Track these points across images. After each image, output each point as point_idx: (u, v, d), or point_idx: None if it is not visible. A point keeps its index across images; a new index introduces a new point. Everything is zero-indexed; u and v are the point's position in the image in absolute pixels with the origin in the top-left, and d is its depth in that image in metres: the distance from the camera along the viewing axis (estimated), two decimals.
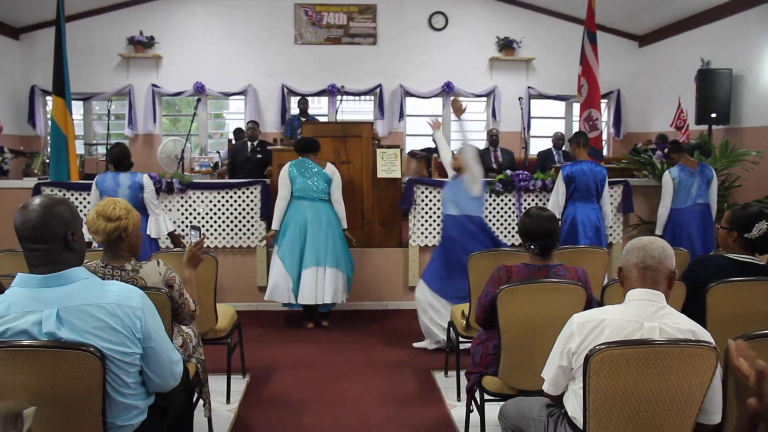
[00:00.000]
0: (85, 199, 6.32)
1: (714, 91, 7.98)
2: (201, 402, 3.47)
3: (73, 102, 6.80)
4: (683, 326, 2.26)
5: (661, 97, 10.16)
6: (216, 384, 4.11)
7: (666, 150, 6.93)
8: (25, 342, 2.08)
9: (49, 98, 9.67)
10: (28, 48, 10.50)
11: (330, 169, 5.77)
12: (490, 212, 6.57)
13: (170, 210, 6.32)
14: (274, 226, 5.78)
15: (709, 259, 3.56)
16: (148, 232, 5.59)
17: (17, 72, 10.46)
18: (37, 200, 2.16)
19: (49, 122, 7.32)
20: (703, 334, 2.26)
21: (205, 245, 3.39)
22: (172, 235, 5.70)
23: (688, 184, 6.19)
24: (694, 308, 3.12)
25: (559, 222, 5.84)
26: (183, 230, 6.08)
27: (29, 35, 10.53)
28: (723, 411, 2.32)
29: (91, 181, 5.76)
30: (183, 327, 3.34)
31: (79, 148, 8.63)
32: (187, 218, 6.39)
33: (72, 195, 6.36)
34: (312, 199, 5.70)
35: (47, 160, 7.03)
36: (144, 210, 5.57)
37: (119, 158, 5.58)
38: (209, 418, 3.68)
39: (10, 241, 5.05)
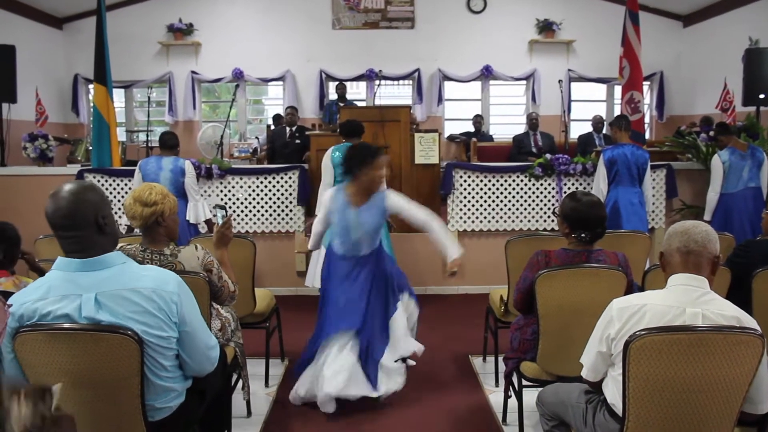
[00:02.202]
0: (126, 185, 6.42)
1: (763, 71, 7.72)
2: (240, 385, 3.51)
3: (114, 90, 6.90)
4: (728, 313, 2.20)
5: (706, 78, 9.89)
6: (254, 368, 4.16)
7: (711, 132, 6.76)
8: (65, 325, 2.12)
9: (91, 86, 9.83)
10: (71, 37, 10.68)
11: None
12: (529, 196, 6.50)
13: (209, 195, 6.39)
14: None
15: (755, 244, 3.47)
16: (187, 218, 5.69)
17: (61, 61, 10.65)
18: (65, 188, 2.18)
19: (92, 110, 7.44)
20: (749, 321, 2.19)
21: (235, 229, 3.40)
22: (209, 222, 5.78)
23: (739, 167, 6.03)
24: (739, 294, 3.05)
25: None
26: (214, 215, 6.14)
27: (72, 25, 10.71)
28: None
29: (133, 168, 5.88)
30: (222, 311, 3.37)
31: (121, 135, 8.78)
32: (226, 204, 6.45)
33: (114, 181, 6.47)
34: None
35: (90, 147, 7.15)
36: (184, 194, 5.67)
37: (166, 139, 5.81)
38: (248, 401, 3.74)
39: None
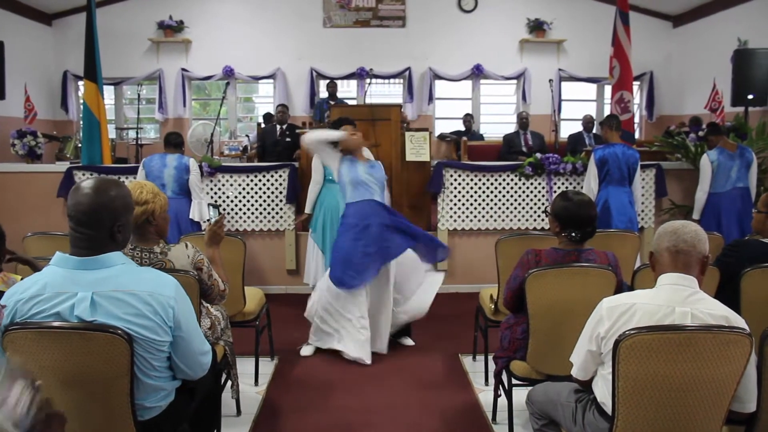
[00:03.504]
0: None
1: (751, 72, 7.79)
2: (229, 384, 3.51)
3: (104, 87, 6.87)
4: (716, 312, 2.21)
5: (696, 78, 9.96)
6: (244, 366, 4.15)
7: (700, 132, 6.80)
8: (55, 324, 2.10)
9: (81, 83, 9.78)
10: (61, 34, 10.62)
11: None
12: (519, 195, 6.51)
13: None
14: (307, 210, 5.78)
15: (743, 243, 3.49)
16: (191, 216, 5.68)
17: (50, 57, 10.58)
18: (90, 184, 2.16)
19: (82, 107, 7.40)
20: (737, 321, 2.21)
21: (225, 227, 3.40)
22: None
23: (727, 167, 6.05)
24: (728, 294, 3.06)
25: None
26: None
27: (61, 21, 10.64)
28: (758, 399, 2.27)
29: (122, 165, 5.86)
30: (211, 309, 3.37)
31: (111, 132, 8.72)
32: (216, 201, 6.43)
33: None
34: None
35: (80, 145, 7.11)
36: (188, 192, 5.67)
37: (171, 137, 5.88)
38: (237, 399, 3.73)
39: (43, 224, 5.14)
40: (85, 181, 2.18)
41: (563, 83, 11.21)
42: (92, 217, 2.13)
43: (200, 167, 6.33)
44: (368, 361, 4.62)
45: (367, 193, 4.77)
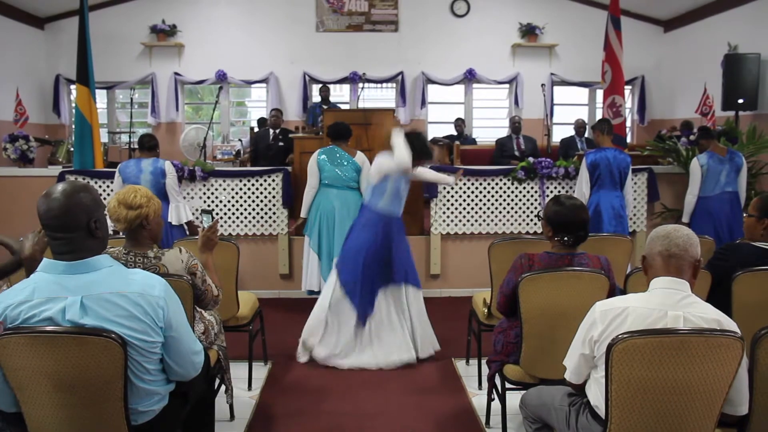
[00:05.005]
0: (108, 186, 6.37)
1: (741, 77, 7.84)
2: (223, 388, 3.50)
3: (96, 91, 6.85)
4: (708, 315, 2.22)
5: (687, 83, 10.01)
6: (238, 371, 4.15)
7: (691, 137, 6.83)
8: (48, 328, 2.10)
9: (73, 87, 9.74)
10: (53, 37, 10.59)
11: (360, 158, 5.69)
12: (512, 199, 6.53)
13: (192, 198, 6.35)
14: (302, 213, 5.77)
15: (735, 247, 3.51)
16: (169, 219, 5.66)
17: (42, 61, 10.55)
18: (59, 188, 2.17)
19: (74, 111, 7.38)
20: (729, 324, 2.22)
21: (219, 232, 3.40)
22: (190, 225, 5.75)
23: (716, 171, 6.08)
24: (719, 297, 3.08)
25: None
26: (197, 218, 6.08)
27: (54, 25, 10.61)
28: (749, 402, 2.29)
29: (114, 170, 5.84)
30: (205, 314, 3.36)
31: (103, 136, 8.72)
32: (209, 206, 6.42)
33: (96, 183, 6.41)
34: (340, 187, 5.65)
35: (72, 149, 7.09)
36: (165, 197, 5.64)
37: (145, 140, 5.77)
38: (231, 404, 3.72)
39: (35, 228, 5.12)
40: (51, 188, 2.18)
41: (555, 87, 11.25)
42: (66, 218, 2.13)
43: (193, 171, 6.32)
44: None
45: (399, 210, 4.80)
